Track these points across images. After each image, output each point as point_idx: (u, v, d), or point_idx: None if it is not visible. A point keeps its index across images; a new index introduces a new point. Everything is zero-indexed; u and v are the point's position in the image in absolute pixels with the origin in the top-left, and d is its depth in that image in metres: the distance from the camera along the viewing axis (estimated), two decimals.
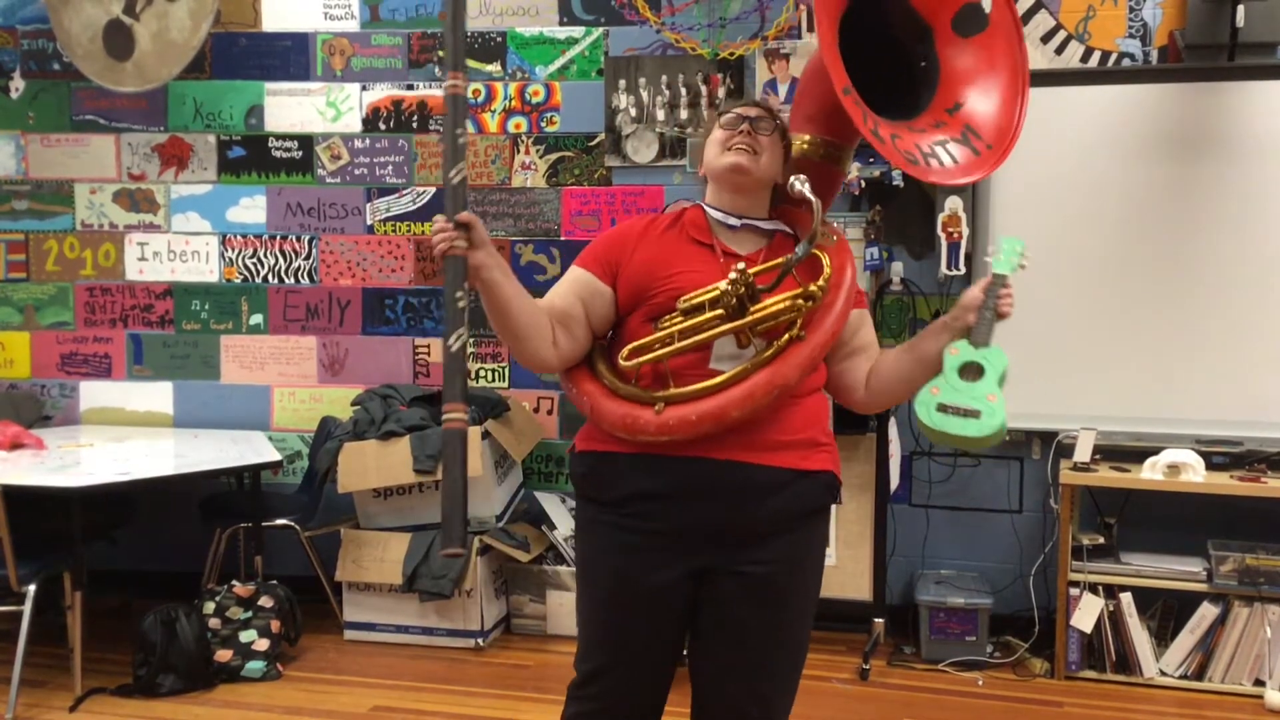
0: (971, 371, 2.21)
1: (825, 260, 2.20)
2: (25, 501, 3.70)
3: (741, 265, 2.12)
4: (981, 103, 2.32)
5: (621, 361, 2.18)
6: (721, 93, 4.58)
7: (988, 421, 2.20)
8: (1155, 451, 4.04)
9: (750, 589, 2.18)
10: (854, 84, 2.16)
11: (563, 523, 4.55)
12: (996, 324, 2.21)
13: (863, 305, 2.37)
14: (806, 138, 2.37)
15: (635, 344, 2.17)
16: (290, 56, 4.88)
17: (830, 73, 2.12)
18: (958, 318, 2.21)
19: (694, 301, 2.15)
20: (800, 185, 2.19)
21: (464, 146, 2.07)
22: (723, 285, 2.12)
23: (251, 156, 4.93)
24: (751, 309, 2.13)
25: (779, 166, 2.30)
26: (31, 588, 3.74)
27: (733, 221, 2.27)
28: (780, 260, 2.18)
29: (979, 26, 2.35)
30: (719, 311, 2.13)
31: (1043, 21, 4.33)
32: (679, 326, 2.15)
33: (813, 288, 2.16)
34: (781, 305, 2.14)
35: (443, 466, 2.02)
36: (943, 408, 2.22)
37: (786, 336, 2.14)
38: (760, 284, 2.15)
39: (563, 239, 4.73)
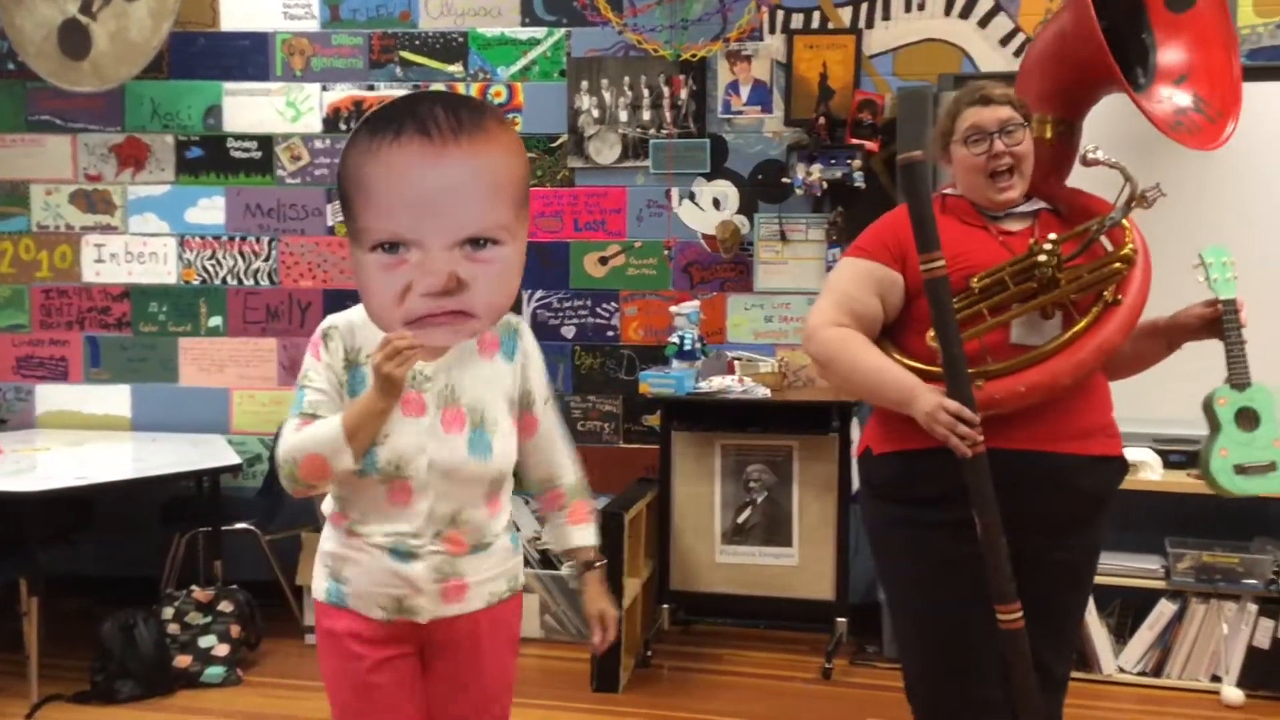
0: (1247, 419, 2.22)
1: (1125, 223, 2.23)
2: None
3: (1053, 236, 2.16)
4: (1203, 73, 2.40)
5: (929, 343, 2.15)
6: (684, 94, 4.57)
7: None
8: None
9: (1059, 576, 2.24)
10: None
11: (526, 525, 4.54)
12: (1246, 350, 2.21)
13: None
14: (1044, 118, 2.36)
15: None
16: (249, 56, 4.84)
17: (1098, 58, 2.19)
18: (1175, 340, 2.32)
19: (991, 279, 2.17)
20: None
21: (955, 328, 2.06)
22: (1040, 258, 2.14)
23: (210, 157, 4.89)
24: (1064, 278, 2.15)
25: (1033, 157, 2.29)
26: None
27: (996, 213, 2.29)
28: (1082, 227, 2.21)
29: (1188, 3, 2.42)
30: (1029, 285, 2.15)
31: (1002, 24, 4.36)
32: (986, 304, 2.17)
33: (1126, 250, 2.19)
34: (1105, 271, 2.17)
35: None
36: (1240, 469, 2.24)
37: (1103, 302, 2.17)
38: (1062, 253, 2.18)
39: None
